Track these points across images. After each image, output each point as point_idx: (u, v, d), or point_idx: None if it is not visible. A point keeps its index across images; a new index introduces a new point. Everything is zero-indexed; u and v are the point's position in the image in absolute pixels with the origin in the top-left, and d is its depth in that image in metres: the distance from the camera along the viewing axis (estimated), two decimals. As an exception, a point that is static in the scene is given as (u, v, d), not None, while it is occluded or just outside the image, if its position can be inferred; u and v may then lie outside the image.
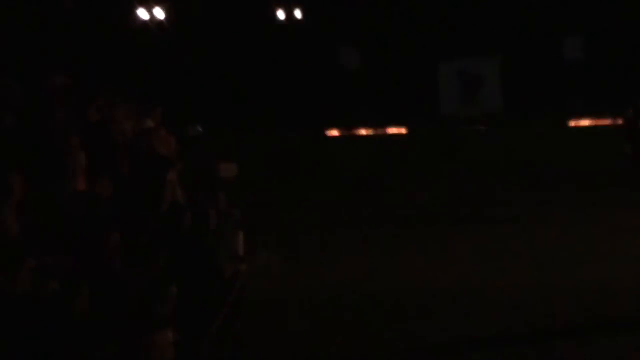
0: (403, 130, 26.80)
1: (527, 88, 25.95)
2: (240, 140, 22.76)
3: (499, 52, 27.05)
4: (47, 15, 23.56)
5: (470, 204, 19.03)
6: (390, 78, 27.16)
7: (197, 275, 10.84)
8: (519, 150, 22.96)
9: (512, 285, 13.34)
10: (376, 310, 12.72)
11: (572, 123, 26.05)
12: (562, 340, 11.17)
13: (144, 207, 11.45)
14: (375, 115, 26.42)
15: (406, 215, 18.39)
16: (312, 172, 21.40)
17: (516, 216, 17.99)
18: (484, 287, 13.33)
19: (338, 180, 20.78)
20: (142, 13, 25.79)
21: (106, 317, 8.98)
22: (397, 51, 27.42)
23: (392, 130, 26.85)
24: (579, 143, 23.04)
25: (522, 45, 26.63)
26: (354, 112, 26.40)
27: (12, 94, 10.83)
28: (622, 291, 12.72)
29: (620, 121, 20.53)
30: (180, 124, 19.80)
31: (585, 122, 25.84)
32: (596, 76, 25.82)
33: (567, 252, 15.16)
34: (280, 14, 27.60)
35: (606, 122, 25.51)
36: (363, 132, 26.61)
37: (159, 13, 25.83)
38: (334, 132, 26.57)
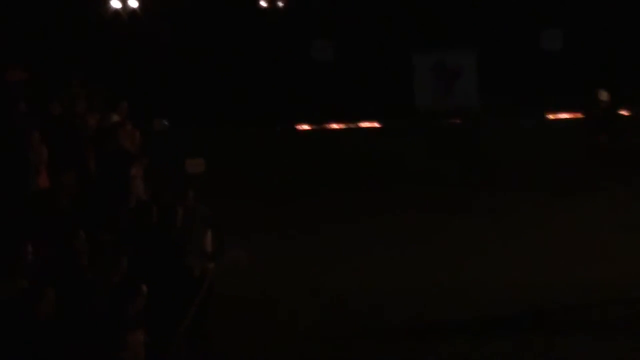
0: (376, 125, 26.63)
1: (504, 81, 25.85)
2: (208, 135, 22.53)
3: (475, 44, 26.91)
4: (4, 6, 23.14)
5: (445, 199, 18.85)
6: (363, 71, 26.96)
7: (165, 273, 10.67)
8: (496, 144, 22.87)
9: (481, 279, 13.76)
10: (344, 306, 13.07)
11: (551, 116, 26.06)
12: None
13: (111, 204, 11.26)
14: (348, 109, 26.25)
15: (379, 209, 18.15)
16: (282, 168, 21.22)
17: (492, 209, 17.83)
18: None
19: (308, 176, 20.60)
20: (114, 2, 25.39)
21: (74, 318, 8.79)
22: (370, 43, 27.24)
23: (365, 124, 26.68)
24: (557, 136, 23.00)
25: (499, 37, 26.54)
26: (325, 106, 26.20)
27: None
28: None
29: (590, 113, 20.23)
30: (146, 118, 19.54)
31: (564, 115, 25.84)
32: (575, 69, 25.76)
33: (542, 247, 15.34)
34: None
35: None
36: (335, 126, 26.44)
37: (132, 2, 25.44)
38: (305, 127, 26.37)
